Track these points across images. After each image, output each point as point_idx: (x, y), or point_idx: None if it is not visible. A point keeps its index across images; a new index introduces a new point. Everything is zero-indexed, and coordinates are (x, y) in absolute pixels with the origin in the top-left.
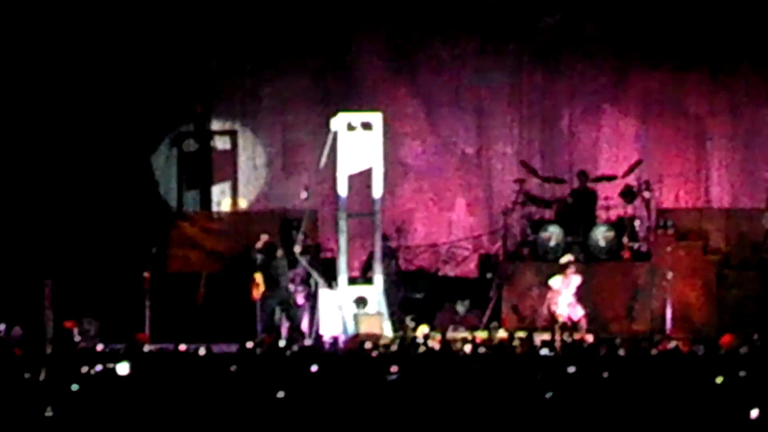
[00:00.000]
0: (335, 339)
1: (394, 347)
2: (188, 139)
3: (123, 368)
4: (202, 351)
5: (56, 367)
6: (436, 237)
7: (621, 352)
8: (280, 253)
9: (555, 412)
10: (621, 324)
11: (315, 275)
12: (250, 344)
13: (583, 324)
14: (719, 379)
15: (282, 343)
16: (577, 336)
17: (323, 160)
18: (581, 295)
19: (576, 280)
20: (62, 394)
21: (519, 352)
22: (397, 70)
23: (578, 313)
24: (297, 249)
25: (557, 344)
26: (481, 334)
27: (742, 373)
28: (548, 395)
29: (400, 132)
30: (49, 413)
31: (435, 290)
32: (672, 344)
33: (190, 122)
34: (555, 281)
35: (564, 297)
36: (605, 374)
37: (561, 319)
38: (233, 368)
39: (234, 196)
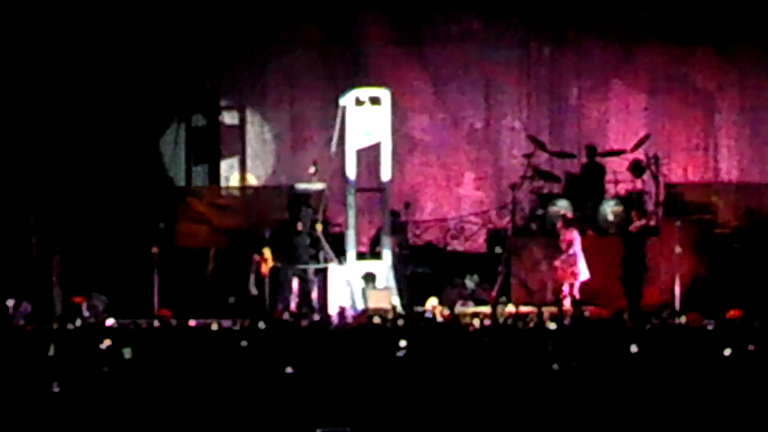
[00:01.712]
0: (342, 310)
1: (401, 322)
2: (196, 114)
3: (126, 353)
4: (214, 326)
5: (64, 342)
6: (444, 212)
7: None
8: (319, 227)
9: (563, 385)
10: (629, 299)
11: (326, 249)
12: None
13: (576, 293)
14: (727, 351)
15: (290, 318)
16: (566, 310)
17: (334, 142)
18: (584, 255)
19: (571, 236)
20: (69, 369)
21: (527, 326)
22: (404, 44)
23: (583, 275)
24: (319, 227)
25: (564, 318)
26: (490, 309)
27: (750, 347)
28: (555, 367)
29: (407, 107)
30: (56, 389)
31: (443, 265)
32: (682, 319)
33: (199, 98)
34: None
35: (568, 259)
36: (614, 349)
37: (564, 292)
38: (244, 344)
39: (242, 171)
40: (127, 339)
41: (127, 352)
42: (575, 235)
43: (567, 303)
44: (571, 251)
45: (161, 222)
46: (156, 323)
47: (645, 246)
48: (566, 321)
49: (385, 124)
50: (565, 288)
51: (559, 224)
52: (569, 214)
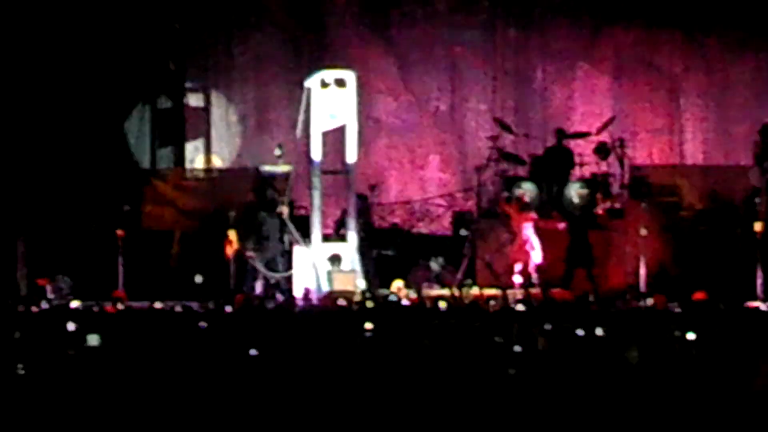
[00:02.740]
0: (307, 292)
1: (369, 304)
2: (162, 96)
3: (93, 339)
4: (178, 309)
5: (29, 324)
6: (409, 194)
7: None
8: (285, 210)
9: (528, 369)
10: (594, 281)
11: (293, 232)
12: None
13: (535, 275)
14: (692, 335)
15: (255, 301)
16: (532, 292)
17: (300, 124)
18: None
19: (525, 219)
20: (34, 352)
21: (493, 309)
22: (370, 26)
23: (536, 257)
24: (285, 210)
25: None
26: (455, 291)
27: (713, 330)
28: (517, 349)
29: (373, 89)
30: (20, 371)
31: (409, 247)
32: (648, 302)
33: (164, 80)
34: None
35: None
36: (580, 332)
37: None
38: (203, 324)
39: (207, 153)
40: (92, 323)
41: (94, 339)
42: (529, 218)
43: (517, 282)
44: (524, 234)
45: (126, 204)
46: (120, 306)
47: (589, 229)
48: (534, 303)
49: (350, 106)
50: (517, 267)
51: (513, 206)
52: (525, 198)
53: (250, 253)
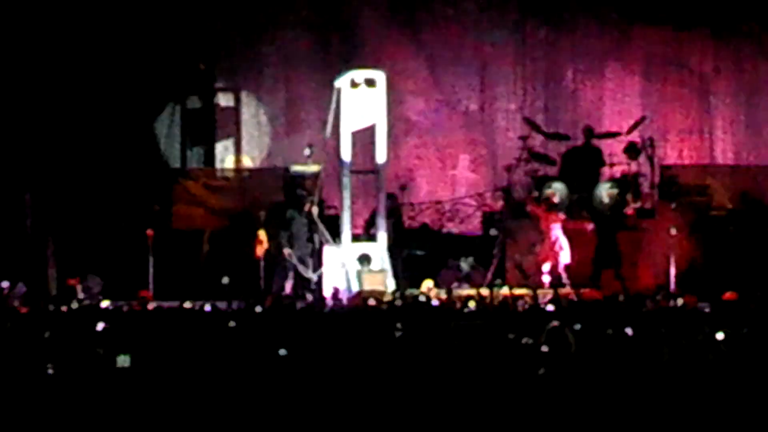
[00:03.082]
0: (336, 292)
1: (398, 303)
2: (192, 96)
3: (124, 361)
4: (207, 308)
5: (59, 324)
6: (439, 194)
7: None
8: (314, 209)
9: (557, 369)
10: (622, 281)
11: (323, 232)
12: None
13: (564, 275)
14: (721, 335)
15: (285, 300)
16: (562, 292)
17: (329, 124)
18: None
19: (554, 219)
20: (64, 352)
21: (522, 309)
22: (400, 26)
23: (565, 257)
24: (315, 210)
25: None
26: (484, 292)
27: (744, 330)
28: (545, 348)
29: (403, 89)
30: (50, 371)
31: (439, 247)
32: (678, 302)
33: (194, 80)
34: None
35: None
36: (609, 331)
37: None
38: (232, 324)
39: (237, 153)
40: (121, 322)
41: (125, 360)
42: (557, 219)
43: (546, 282)
44: (552, 234)
45: (156, 204)
46: (149, 306)
47: (618, 230)
48: (563, 303)
49: (380, 106)
50: (545, 268)
51: (541, 207)
52: (554, 199)
53: (287, 251)
